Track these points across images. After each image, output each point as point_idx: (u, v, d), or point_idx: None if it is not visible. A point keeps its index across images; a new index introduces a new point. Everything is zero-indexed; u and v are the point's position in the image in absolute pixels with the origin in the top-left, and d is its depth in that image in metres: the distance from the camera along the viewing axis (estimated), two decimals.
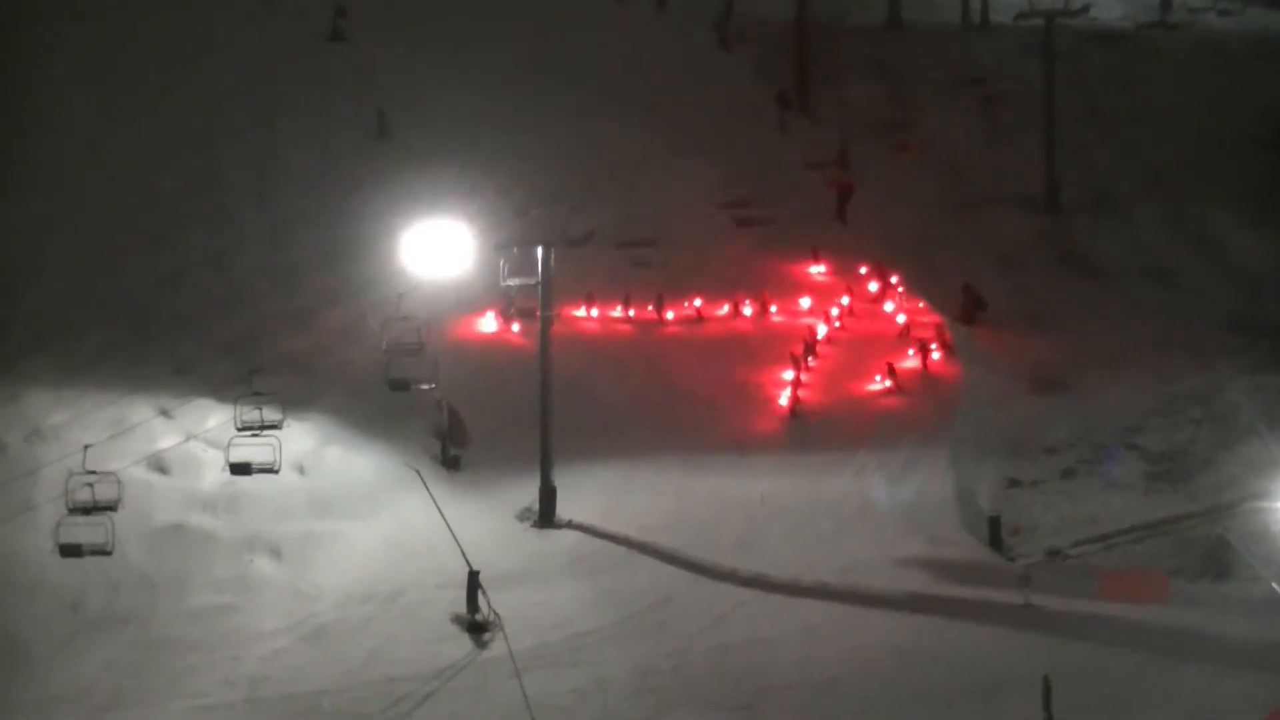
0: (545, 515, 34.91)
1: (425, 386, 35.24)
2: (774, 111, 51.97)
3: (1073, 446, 38.48)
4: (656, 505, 35.32)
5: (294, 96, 47.58)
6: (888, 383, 39.92)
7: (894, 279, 44.07)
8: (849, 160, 49.45)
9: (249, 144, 45.91)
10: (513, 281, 36.56)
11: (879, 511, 35.26)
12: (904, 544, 33.88)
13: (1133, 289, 46.25)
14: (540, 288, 35.84)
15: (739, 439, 38.11)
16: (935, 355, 41.01)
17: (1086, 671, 28.14)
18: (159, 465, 34.98)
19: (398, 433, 36.69)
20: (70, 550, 31.09)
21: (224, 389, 35.45)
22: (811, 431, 38.48)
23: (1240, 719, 26.52)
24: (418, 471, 34.39)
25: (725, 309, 42.97)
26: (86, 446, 32.41)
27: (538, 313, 36.22)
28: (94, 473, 31.48)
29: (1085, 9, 54.05)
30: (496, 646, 30.04)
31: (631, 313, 42.62)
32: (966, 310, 43.72)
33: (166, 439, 35.52)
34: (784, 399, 39.59)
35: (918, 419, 38.63)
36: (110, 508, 31.25)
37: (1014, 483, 37.23)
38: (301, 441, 35.59)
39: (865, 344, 41.83)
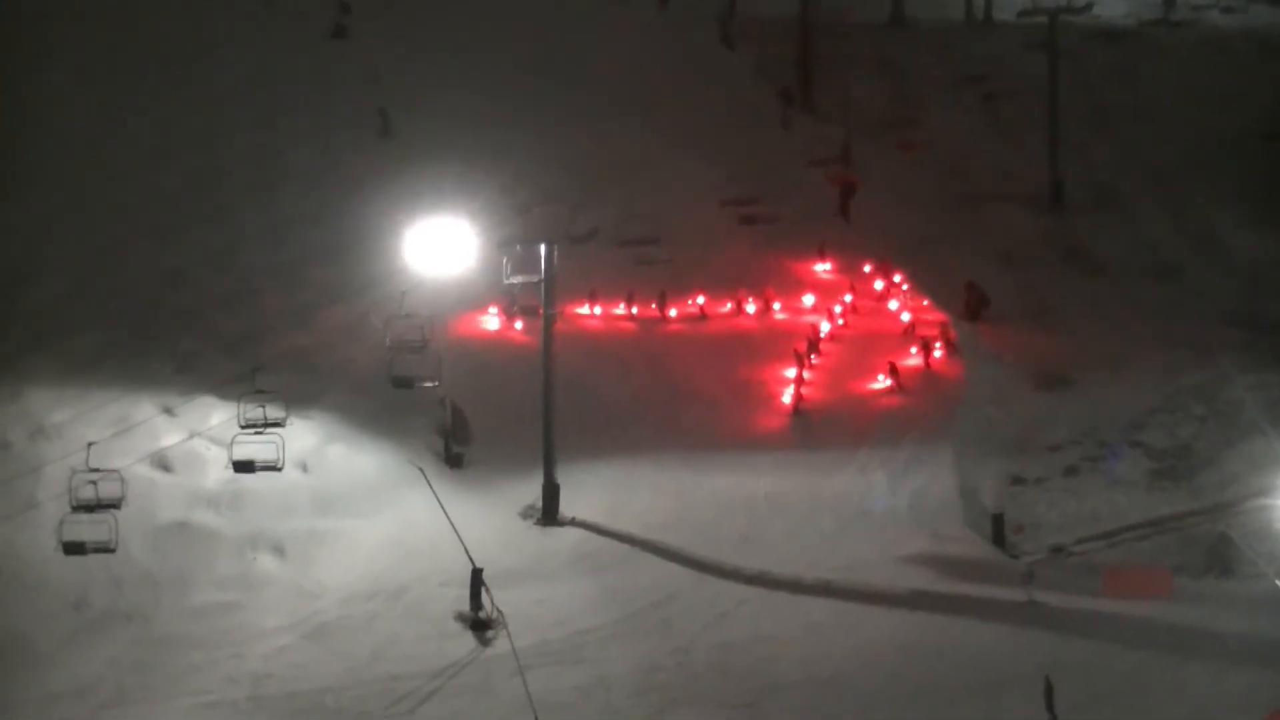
0: (548, 513, 34.91)
1: (428, 384, 35.24)
2: (776, 109, 51.96)
3: (1076, 444, 38.42)
4: (659, 503, 35.32)
5: (295, 95, 47.56)
6: (889, 382, 39.89)
7: (897, 277, 44.07)
8: (852, 157, 49.43)
9: (250, 142, 45.90)
10: (516, 279, 36.57)
11: (881, 509, 35.24)
12: (907, 541, 33.86)
13: (1135, 286, 46.23)
14: (543, 285, 35.83)
15: (742, 436, 38.09)
16: (937, 354, 40.99)
17: (1090, 668, 28.13)
18: (162, 463, 35.00)
19: (401, 430, 36.69)
20: (74, 548, 31.13)
21: (227, 387, 35.46)
22: (814, 429, 38.47)
23: (1243, 716, 26.50)
24: (421, 469, 34.40)
25: (728, 306, 42.99)
26: (90, 444, 32.46)
27: (541, 310, 36.22)
28: (97, 470, 31.51)
29: (1088, 6, 53.91)
30: (499, 644, 30.06)
31: (634, 310, 42.62)
32: (970, 308, 43.68)
33: (170, 437, 35.55)
34: (787, 396, 39.58)
35: (921, 416, 38.60)
36: (114, 505, 31.29)
37: (1018, 480, 37.16)
38: (305, 439, 35.61)
39: (869, 342, 41.83)
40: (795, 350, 40.77)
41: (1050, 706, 25.74)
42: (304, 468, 35.39)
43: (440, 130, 46.43)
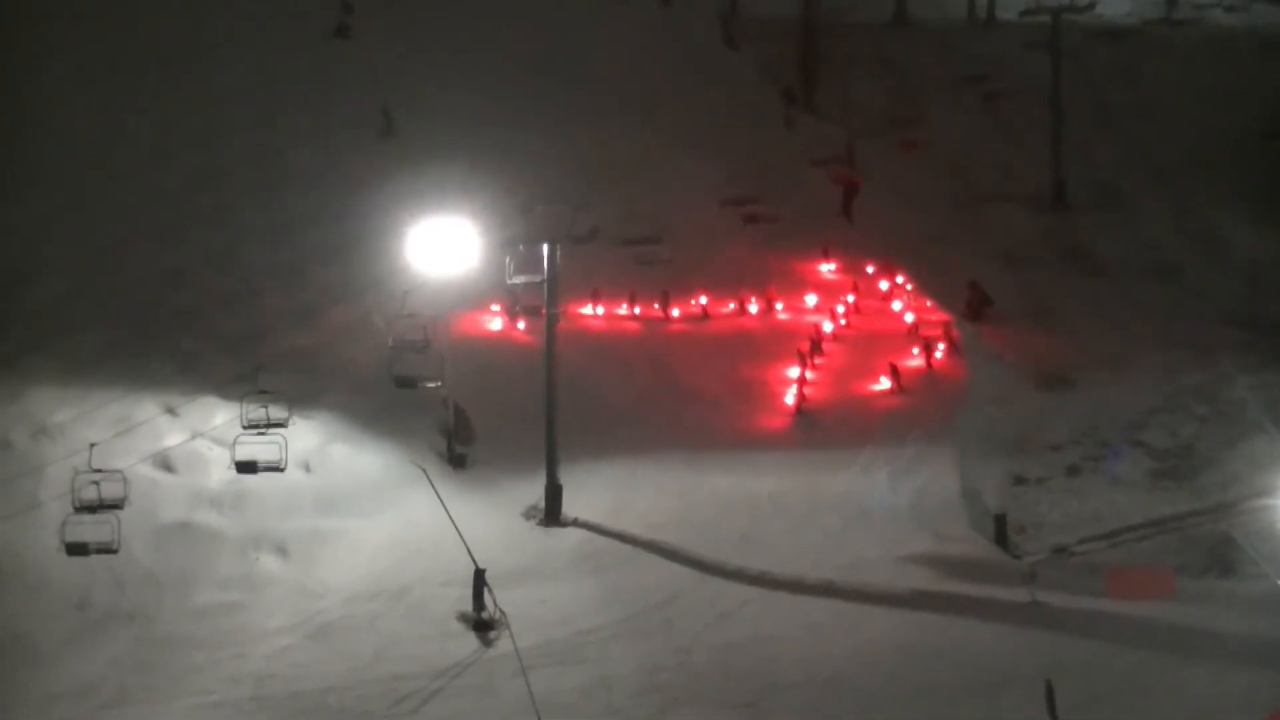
0: (551, 513, 34.91)
1: (431, 384, 35.29)
2: (779, 108, 52.00)
3: (1078, 444, 38.46)
4: (662, 503, 35.34)
5: (296, 94, 47.54)
6: (890, 384, 39.89)
7: (900, 278, 44.09)
8: (855, 157, 49.45)
9: (251, 142, 45.86)
10: (518, 279, 36.61)
11: (883, 509, 35.25)
12: (909, 541, 33.88)
13: (1137, 285, 46.30)
14: (546, 285, 35.84)
15: (744, 436, 38.11)
16: (938, 354, 41.00)
17: (1091, 668, 28.16)
18: (165, 463, 34.98)
19: (403, 430, 36.69)
20: (76, 549, 31.18)
21: (229, 387, 35.49)
22: (817, 429, 38.48)
23: (1243, 716, 26.51)
24: (423, 469, 34.38)
25: (731, 306, 43.01)
26: (92, 445, 32.50)
27: (543, 310, 36.23)
28: (100, 471, 31.55)
29: (1091, 6, 54.02)
30: (502, 644, 30.05)
31: (637, 310, 42.64)
32: (973, 307, 43.71)
33: (172, 437, 35.51)
34: (789, 396, 39.60)
35: (923, 417, 38.61)
36: (116, 506, 31.37)
37: (1020, 480, 37.19)
38: (307, 439, 35.63)
39: (871, 342, 41.84)
40: (798, 350, 40.80)
41: (1052, 710, 25.74)
42: (306, 468, 35.40)
43: (441, 130, 46.42)
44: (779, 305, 43.13)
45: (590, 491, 35.41)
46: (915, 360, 40.85)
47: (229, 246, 42.56)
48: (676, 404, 39.34)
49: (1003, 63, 54.64)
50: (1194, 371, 40.70)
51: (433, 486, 33.32)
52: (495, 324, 41.05)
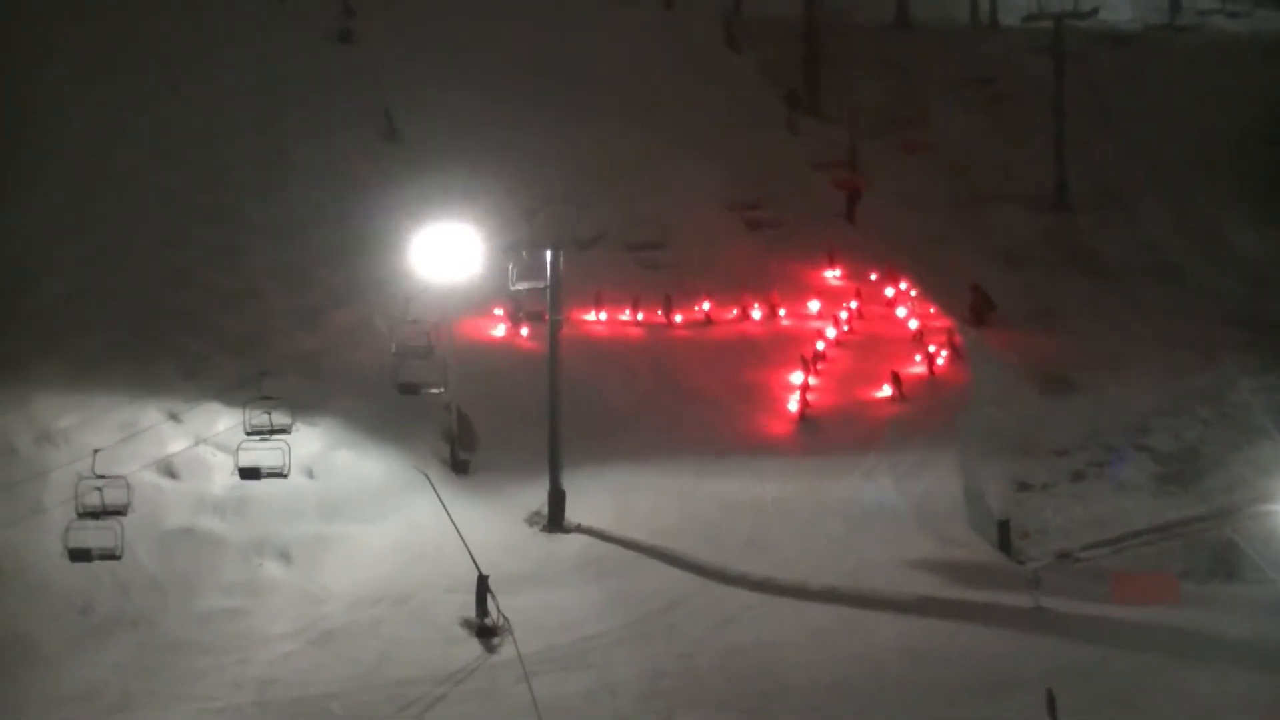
0: (554, 519, 34.90)
1: (434, 390, 35.24)
2: (782, 111, 51.96)
3: (1082, 448, 38.44)
4: (665, 508, 35.33)
5: (298, 95, 47.47)
6: (892, 391, 39.86)
7: (904, 284, 44.07)
8: (857, 160, 49.42)
9: (253, 143, 45.76)
10: (522, 285, 36.55)
11: (887, 514, 35.22)
12: (913, 546, 33.89)
13: (1139, 286, 46.34)
14: (549, 291, 35.82)
15: (748, 442, 38.09)
16: (940, 360, 40.97)
17: (1095, 673, 28.16)
18: (168, 469, 34.98)
19: (406, 436, 36.69)
20: (79, 555, 31.13)
21: (233, 393, 35.46)
22: (820, 434, 38.48)
23: (1245, 718, 26.50)
24: (426, 475, 34.37)
25: (734, 312, 42.98)
26: (96, 451, 32.45)
27: (546, 316, 36.21)
28: (104, 477, 31.51)
29: (1094, 11, 54.02)
30: (505, 650, 30.05)
31: (640, 315, 42.62)
32: (976, 311, 43.70)
33: (176, 443, 35.51)
34: (793, 402, 39.57)
35: (927, 422, 38.61)
36: (120, 512, 31.29)
37: (1023, 485, 37.17)
38: (310, 445, 35.61)
39: (874, 347, 41.82)
40: (801, 355, 40.78)
41: (1053, 717, 25.71)
42: (310, 473, 35.40)
43: (443, 131, 46.36)
44: (782, 311, 43.11)
45: (593, 497, 35.40)
46: (918, 367, 40.80)
47: (231, 247, 42.45)
48: (680, 410, 39.34)
49: (1005, 66, 54.63)
50: (1196, 372, 40.72)
51: (436, 492, 33.30)
52: (498, 330, 41.02)
